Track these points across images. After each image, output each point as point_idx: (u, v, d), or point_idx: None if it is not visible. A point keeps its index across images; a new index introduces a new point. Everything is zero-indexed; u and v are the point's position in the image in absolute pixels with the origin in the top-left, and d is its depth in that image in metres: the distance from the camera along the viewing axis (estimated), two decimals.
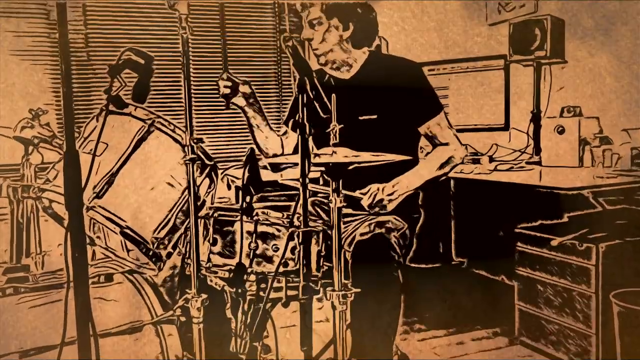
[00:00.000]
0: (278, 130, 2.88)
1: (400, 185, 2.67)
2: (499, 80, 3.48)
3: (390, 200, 2.64)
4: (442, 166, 2.73)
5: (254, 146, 2.77)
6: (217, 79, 2.72)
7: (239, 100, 2.74)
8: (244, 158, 2.28)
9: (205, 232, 2.31)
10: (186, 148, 2.31)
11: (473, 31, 3.50)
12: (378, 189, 2.64)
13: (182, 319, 2.50)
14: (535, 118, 3.46)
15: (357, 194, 2.64)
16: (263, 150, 2.82)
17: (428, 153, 2.80)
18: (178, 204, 2.53)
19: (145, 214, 2.48)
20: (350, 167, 2.21)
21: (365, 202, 2.64)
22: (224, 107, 2.72)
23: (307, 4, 2.72)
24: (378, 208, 2.64)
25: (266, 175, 2.60)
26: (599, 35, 3.26)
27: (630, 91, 3.21)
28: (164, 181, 2.53)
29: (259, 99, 2.77)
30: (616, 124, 3.22)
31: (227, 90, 2.72)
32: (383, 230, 2.65)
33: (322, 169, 2.37)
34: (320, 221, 2.53)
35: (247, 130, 2.80)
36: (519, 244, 2.97)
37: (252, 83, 2.73)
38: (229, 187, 2.82)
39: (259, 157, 2.61)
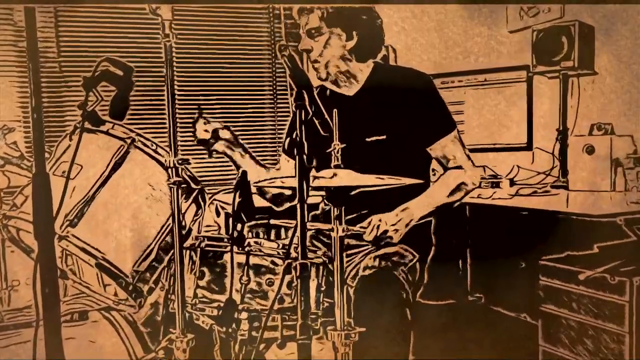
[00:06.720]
0: (272, 166, 2.90)
1: (405, 213, 2.66)
2: (520, 94, 3.50)
3: (395, 231, 2.63)
4: (452, 193, 2.72)
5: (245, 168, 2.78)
6: (199, 104, 2.73)
7: (220, 146, 2.78)
8: (234, 181, 2.30)
9: (191, 265, 2.33)
10: (170, 170, 2.33)
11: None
12: (380, 220, 2.63)
13: None
14: (562, 136, 3.48)
15: (357, 228, 2.63)
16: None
17: (440, 176, 2.78)
18: (161, 232, 2.55)
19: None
20: (354, 192, 2.22)
21: (368, 236, 2.62)
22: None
23: (306, 8, 2.70)
24: (383, 241, 2.63)
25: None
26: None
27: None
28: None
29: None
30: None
31: (207, 135, 2.75)
32: (389, 264, 2.65)
33: (323, 193, 2.37)
34: (321, 252, 2.52)
35: None
36: (543, 277, 2.98)
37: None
38: (217, 214, 2.83)
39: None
